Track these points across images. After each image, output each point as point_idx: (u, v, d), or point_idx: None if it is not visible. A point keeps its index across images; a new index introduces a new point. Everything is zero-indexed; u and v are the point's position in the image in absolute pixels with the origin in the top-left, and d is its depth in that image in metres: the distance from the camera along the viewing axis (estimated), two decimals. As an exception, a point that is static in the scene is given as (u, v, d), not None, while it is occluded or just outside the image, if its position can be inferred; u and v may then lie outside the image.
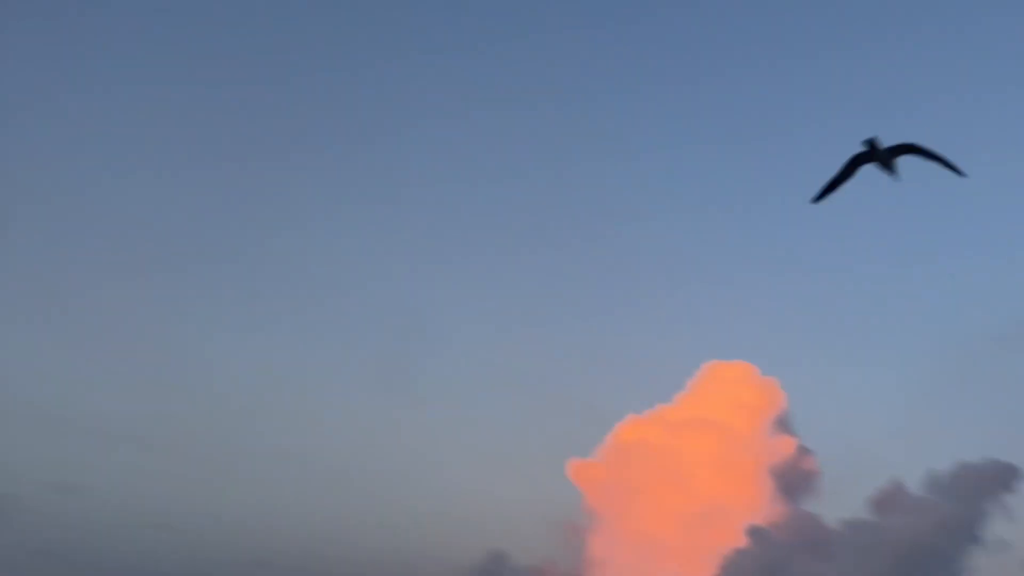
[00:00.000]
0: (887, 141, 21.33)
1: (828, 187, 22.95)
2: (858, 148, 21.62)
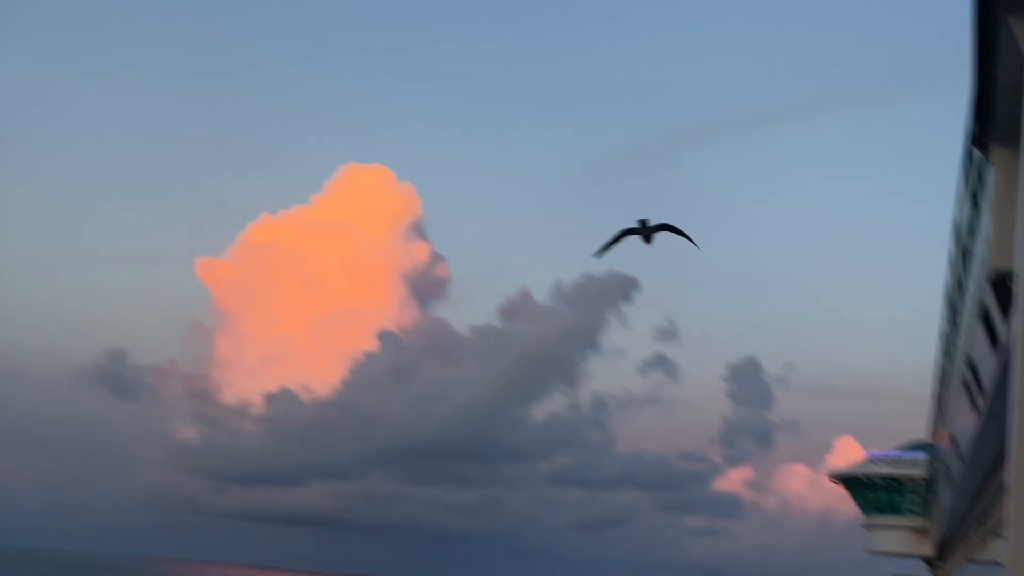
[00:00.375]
0: (652, 220, 28.48)
1: (605, 247, 29.11)
2: (633, 224, 28.67)
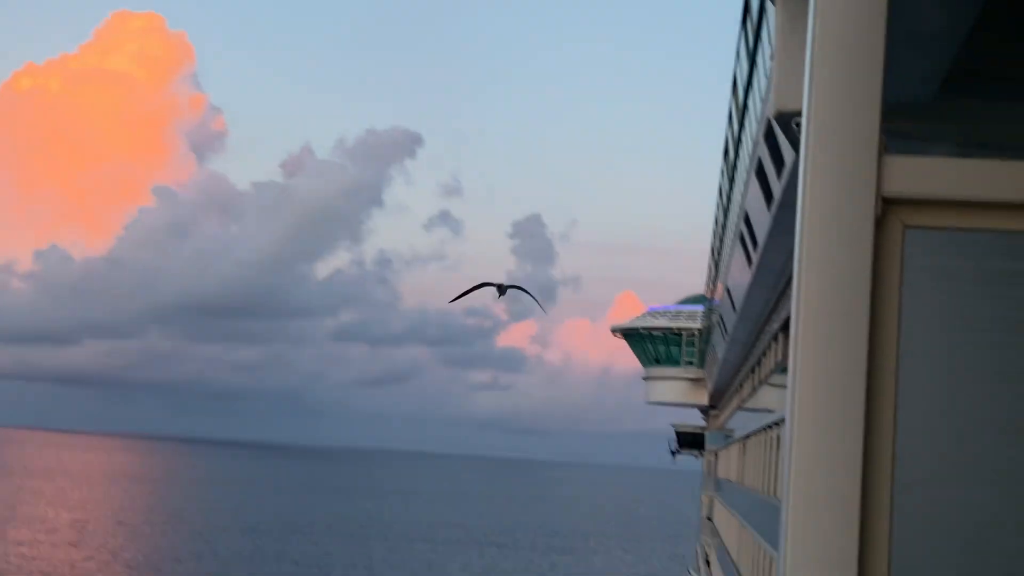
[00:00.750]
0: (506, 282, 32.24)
1: (462, 295, 32.40)
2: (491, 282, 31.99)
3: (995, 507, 3.27)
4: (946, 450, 3.24)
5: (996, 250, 3.41)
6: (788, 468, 3.35)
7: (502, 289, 33.72)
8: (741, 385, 40.63)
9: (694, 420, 77.27)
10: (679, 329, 71.06)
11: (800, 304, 3.40)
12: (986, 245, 3.50)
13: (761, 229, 21.03)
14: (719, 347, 42.60)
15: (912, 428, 3.30)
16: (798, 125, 5.28)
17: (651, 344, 72.30)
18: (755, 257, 23.29)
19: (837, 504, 3.18)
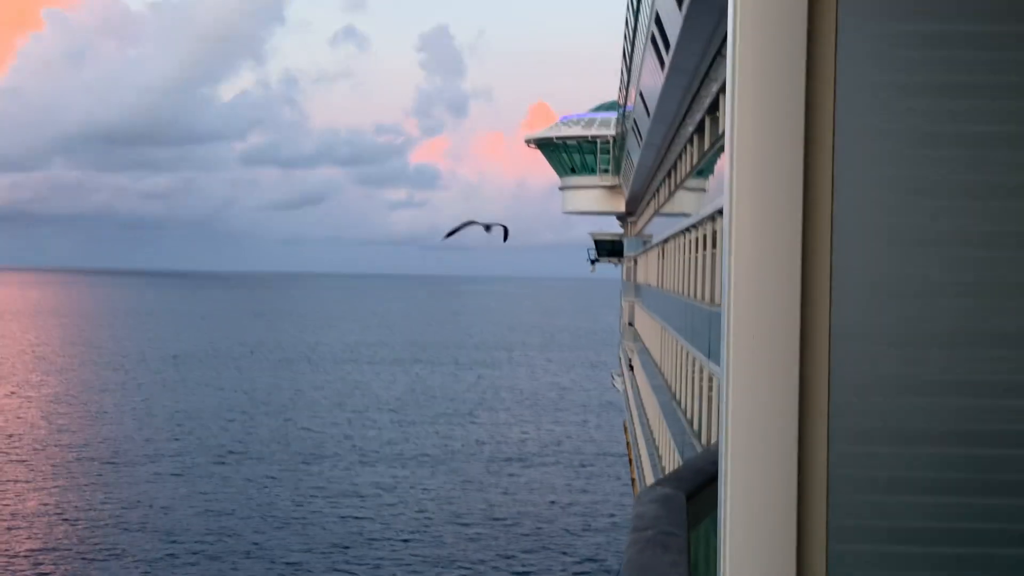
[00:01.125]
0: (489, 220, 35.10)
1: (454, 231, 35.28)
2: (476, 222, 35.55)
3: (945, 267, 3.27)
4: (883, 208, 3.20)
5: (936, 11, 3.31)
6: (729, 250, 3.27)
7: (489, 227, 38.85)
8: (658, 190, 40.85)
9: (612, 228, 77.93)
10: (593, 137, 70.93)
11: (735, 77, 3.29)
12: (926, 5, 3.39)
13: (673, 29, 20.82)
14: (634, 153, 42.67)
15: (849, 192, 3.25)
16: None
17: (566, 154, 72.17)
18: (667, 58, 23.11)
19: (776, 277, 3.14)
